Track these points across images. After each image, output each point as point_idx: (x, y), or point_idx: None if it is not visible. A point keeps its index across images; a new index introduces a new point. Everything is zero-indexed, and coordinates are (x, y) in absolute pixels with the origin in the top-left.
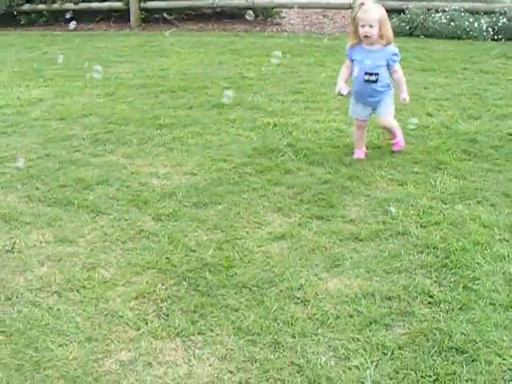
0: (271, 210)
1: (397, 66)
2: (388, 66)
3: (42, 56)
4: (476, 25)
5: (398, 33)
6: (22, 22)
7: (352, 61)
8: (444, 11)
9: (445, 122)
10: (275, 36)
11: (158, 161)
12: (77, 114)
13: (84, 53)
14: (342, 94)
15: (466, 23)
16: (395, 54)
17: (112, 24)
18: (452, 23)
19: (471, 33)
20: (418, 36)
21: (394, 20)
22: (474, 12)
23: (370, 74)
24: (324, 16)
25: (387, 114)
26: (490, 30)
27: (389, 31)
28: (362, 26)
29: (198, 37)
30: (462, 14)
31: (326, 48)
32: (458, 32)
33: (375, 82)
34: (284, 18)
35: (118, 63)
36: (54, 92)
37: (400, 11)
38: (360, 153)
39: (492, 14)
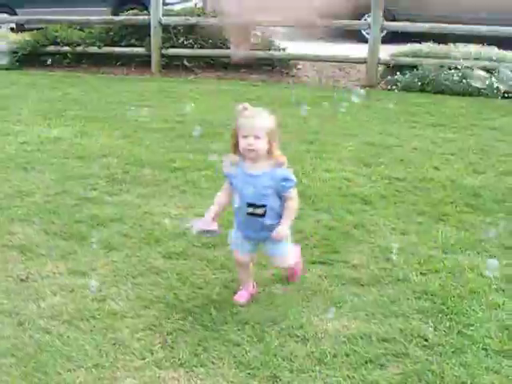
0: None
1: (292, 193)
2: (279, 193)
3: (64, 96)
4: (487, 82)
5: (409, 88)
6: (47, 63)
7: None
8: (456, 68)
9: (450, 176)
10: (290, 87)
11: (171, 202)
12: (95, 154)
13: (105, 95)
14: (203, 232)
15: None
16: (287, 179)
17: (133, 69)
18: (464, 80)
19: (482, 90)
20: (429, 92)
21: (406, 76)
22: (485, 70)
23: (255, 207)
24: (340, 69)
25: (283, 254)
26: (501, 87)
27: (278, 147)
28: (245, 137)
29: (216, 85)
30: (474, 72)
31: (339, 100)
32: (470, 89)
33: (262, 215)
34: (300, 69)
35: (138, 107)
36: (74, 132)
37: (413, 67)
38: (242, 295)
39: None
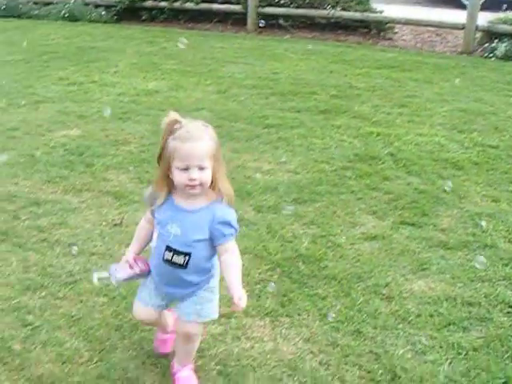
0: (366, 213)
1: (230, 244)
2: (213, 241)
3: (160, 51)
4: None
5: (507, 56)
6: (143, 18)
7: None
8: None
9: None
10: (386, 50)
11: (264, 157)
12: (189, 108)
13: (201, 51)
14: (128, 279)
15: None
16: (228, 224)
17: (229, 26)
18: None
19: None
20: None
21: (505, 44)
22: None
23: (176, 253)
24: (436, 35)
25: (194, 317)
26: None
27: (225, 176)
28: (184, 170)
29: (311, 45)
30: None
31: (436, 66)
32: None
33: (183, 266)
34: (396, 33)
35: (233, 63)
36: (169, 85)
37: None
38: (164, 343)
39: None
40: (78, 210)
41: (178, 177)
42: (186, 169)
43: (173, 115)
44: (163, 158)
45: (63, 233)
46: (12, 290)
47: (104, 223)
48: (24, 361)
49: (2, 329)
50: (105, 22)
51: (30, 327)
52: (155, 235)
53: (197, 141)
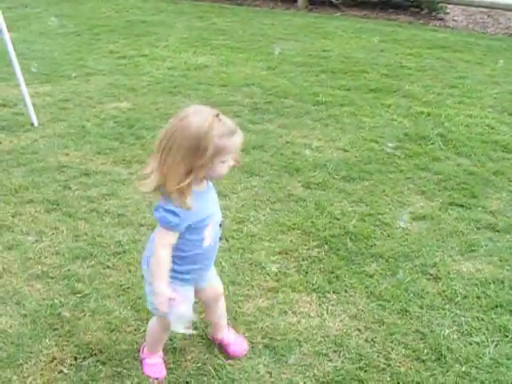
0: (415, 192)
1: None
2: None
3: (210, 26)
4: None
5: None
6: None
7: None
8: None
9: None
10: (438, 30)
11: (313, 134)
12: (239, 83)
13: (251, 27)
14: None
15: None
16: None
17: (279, 3)
18: None
19: None
20: None
21: None
22: None
23: (220, 225)
24: (488, 16)
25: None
26: None
27: None
28: (225, 161)
29: (362, 23)
30: None
31: (487, 47)
32: None
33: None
34: (448, 13)
35: (283, 40)
36: (219, 60)
37: None
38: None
39: None
40: (127, 182)
41: (220, 169)
42: (227, 160)
43: (210, 112)
44: (199, 157)
45: (113, 203)
46: (62, 258)
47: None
48: (73, 328)
49: (52, 296)
50: None
51: (80, 295)
52: (206, 235)
53: (238, 133)
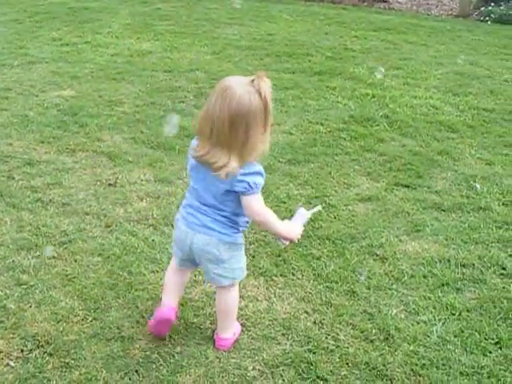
0: (361, 174)
1: None
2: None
3: (154, 11)
4: None
5: (503, 20)
6: None
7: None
8: None
9: None
10: (382, 13)
11: None
12: (184, 68)
13: (195, 12)
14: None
15: None
16: None
17: None
18: None
19: None
20: None
21: (501, 7)
22: None
23: None
24: None
25: None
26: None
27: None
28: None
29: (307, 6)
30: None
31: (431, 28)
32: None
33: None
34: None
35: (227, 25)
36: (163, 46)
37: None
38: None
39: None
40: (72, 170)
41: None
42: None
43: (247, 81)
44: (269, 115)
45: (57, 193)
46: (6, 250)
47: (98, 183)
48: (19, 319)
49: None
50: None
51: (25, 286)
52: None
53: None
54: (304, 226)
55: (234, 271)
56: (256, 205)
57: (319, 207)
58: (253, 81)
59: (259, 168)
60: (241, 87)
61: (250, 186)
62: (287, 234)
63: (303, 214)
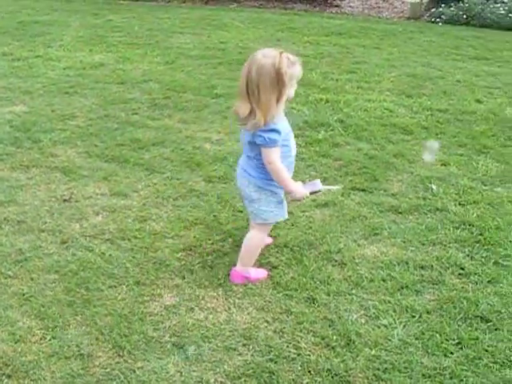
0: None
1: None
2: None
3: (106, 23)
4: None
5: (454, 21)
6: None
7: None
8: (503, 2)
9: (493, 109)
10: (334, 17)
11: (213, 127)
12: (137, 80)
13: (147, 23)
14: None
15: None
16: None
17: None
18: (510, 14)
19: None
20: (474, 25)
21: (451, 8)
22: None
23: None
24: (383, 1)
25: None
26: None
27: None
28: (292, 86)
29: (259, 13)
30: None
31: (383, 31)
32: None
33: None
34: (344, 0)
35: (180, 34)
36: (115, 58)
37: (458, 0)
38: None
39: None
40: (26, 187)
41: (291, 91)
42: (294, 83)
43: (275, 52)
44: (282, 86)
45: (12, 210)
46: None
47: (53, 199)
48: None
49: None
50: None
51: None
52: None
53: (298, 62)
54: (311, 194)
55: (263, 212)
56: (269, 156)
57: (338, 187)
58: (281, 53)
59: (275, 126)
60: (264, 57)
61: (265, 140)
62: (290, 189)
63: (315, 184)
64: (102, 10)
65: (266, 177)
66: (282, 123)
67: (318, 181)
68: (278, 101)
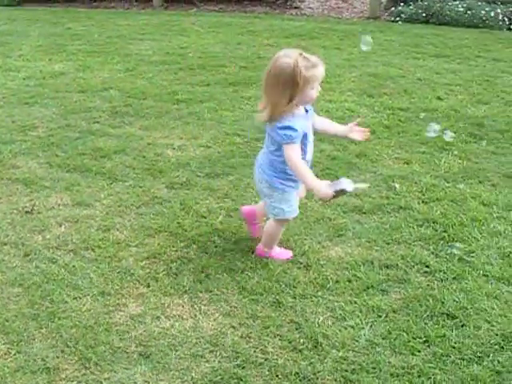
0: None
1: None
2: None
3: (65, 31)
4: (492, 14)
5: (413, 19)
6: None
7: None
8: None
9: (454, 106)
10: (294, 19)
11: (174, 133)
12: (97, 88)
13: (107, 30)
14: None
15: (483, 12)
16: None
17: (135, 2)
18: (469, 12)
19: (487, 22)
20: (434, 23)
21: (410, 7)
22: (490, 1)
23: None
24: (343, 1)
25: None
26: (506, 19)
27: None
28: (312, 88)
29: (219, 17)
30: (479, 3)
31: (343, 32)
32: (475, 21)
33: None
34: (304, 1)
35: (139, 40)
36: (75, 66)
37: None
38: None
39: (509, 4)
40: None
41: (311, 94)
42: (315, 86)
43: (295, 52)
44: (295, 86)
45: None
46: None
47: (15, 211)
48: None
49: None
50: (6, 5)
51: None
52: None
53: (321, 64)
54: (336, 193)
55: (274, 208)
56: (288, 153)
57: (365, 185)
58: (300, 54)
59: (289, 123)
60: (284, 56)
61: (281, 136)
62: (310, 186)
63: (340, 182)
64: (61, 19)
65: (277, 175)
66: (300, 122)
67: (343, 179)
68: (290, 100)
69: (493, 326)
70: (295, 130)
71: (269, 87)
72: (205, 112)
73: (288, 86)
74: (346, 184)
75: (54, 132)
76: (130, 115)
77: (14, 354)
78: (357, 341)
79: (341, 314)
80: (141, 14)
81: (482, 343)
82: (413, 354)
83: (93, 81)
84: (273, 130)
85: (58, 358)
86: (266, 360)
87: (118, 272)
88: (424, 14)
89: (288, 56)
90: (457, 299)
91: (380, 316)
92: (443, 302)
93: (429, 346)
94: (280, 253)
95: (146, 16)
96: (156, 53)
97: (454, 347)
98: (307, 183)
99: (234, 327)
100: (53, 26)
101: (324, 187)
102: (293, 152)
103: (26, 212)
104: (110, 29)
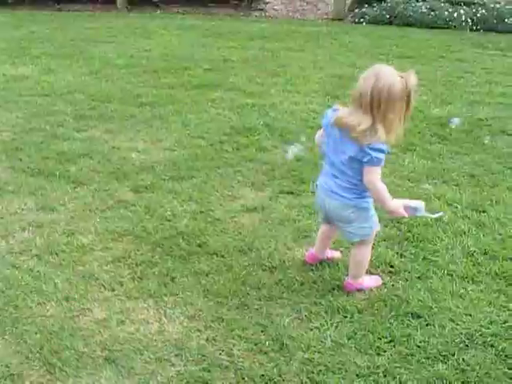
0: (244, 185)
1: None
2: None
3: (29, 34)
4: (455, 15)
5: (377, 21)
6: (9, 1)
7: None
8: (424, 1)
9: (418, 107)
10: (259, 21)
11: (139, 136)
12: (61, 91)
13: (71, 33)
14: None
15: (446, 13)
16: None
17: (99, 5)
18: (432, 13)
19: (450, 23)
20: (397, 24)
21: (374, 8)
22: (453, 2)
23: None
24: (307, 3)
25: None
26: (469, 20)
27: None
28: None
29: (183, 20)
30: (442, 4)
31: (308, 33)
32: (438, 22)
33: None
34: (268, 3)
35: (104, 43)
36: (39, 69)
37: (381, 0)
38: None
39: (472, 5)
40: None
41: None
42: None
43: (411, 76)
44: (408, 107)
45: None
46: None
47: None
48: None
49: None
50: None
51: None
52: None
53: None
54: (411, 214)
55: (362, 229)
56: (371, 176)
57: (441, 214)
58: (402, 77)
59: (383, 146)
60: (393, 77)
61: (372, 159)
62: (390, 209)
63: (418, 209)
64: (24, 22)
65: (358, 195)
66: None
67: (422, 206)
68: (401, 121)
69: (457, 324)
70: (385, 153)
71: (383, 108)
72: (169, 115)
73: (403, 107)
74: (423, 211)
75: (17, 136)
76: (95, 118)
77: None
78: (322, 342)
79: (306, 316)
80: (105, 17)
81: (447, 342)
82: (378, 354)
83: (57, 84)
84: (361, 152)
85: (22, 364)
86: (231, 363)
87: (83, 276)
88: (388, 16)
89: (391, 73)
90: (421, 299)
91: (345, 317)
92: (408, 302)
93: (394, 346)
94: (372, 279)
95: (110, 18)
96: (120, 56)
97: (419, 346)
98: (387, 207)
99: (199, 330)
100: (16, 29)
101: (401, 210)
102: (378, 176)
103: None
104: (74, 32)
